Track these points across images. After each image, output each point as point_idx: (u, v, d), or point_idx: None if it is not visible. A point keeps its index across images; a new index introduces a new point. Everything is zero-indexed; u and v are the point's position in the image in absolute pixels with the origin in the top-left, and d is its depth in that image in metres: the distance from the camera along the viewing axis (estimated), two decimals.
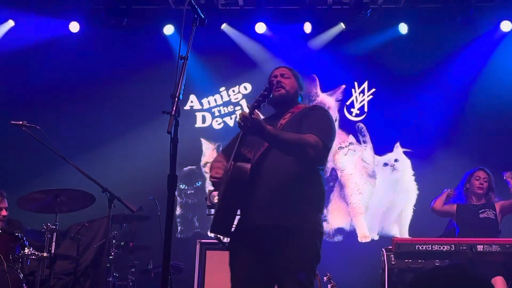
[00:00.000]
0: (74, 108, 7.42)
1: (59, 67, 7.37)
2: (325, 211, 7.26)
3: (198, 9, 2.90)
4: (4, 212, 5.38)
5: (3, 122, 5.04)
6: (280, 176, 3.16)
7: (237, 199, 3.14)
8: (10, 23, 7.40)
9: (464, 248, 4.55)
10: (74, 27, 7.36)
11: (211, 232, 3.34)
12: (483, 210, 5.33)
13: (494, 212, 5.30)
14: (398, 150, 7.31)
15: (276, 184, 3.14)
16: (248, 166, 3.11)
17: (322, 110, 3.42)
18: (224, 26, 7.41)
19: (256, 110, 3.09)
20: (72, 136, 7.06)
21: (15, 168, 7.07)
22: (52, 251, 4.69)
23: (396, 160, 7.30)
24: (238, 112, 6.24)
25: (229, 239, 3.30)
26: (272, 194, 3.13)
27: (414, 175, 7.26)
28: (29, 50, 7.33)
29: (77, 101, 7.42)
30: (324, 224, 7.12)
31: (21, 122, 4.53)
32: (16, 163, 7.10)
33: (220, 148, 6.06)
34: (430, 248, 4.64)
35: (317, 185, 3.25)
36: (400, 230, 7.14)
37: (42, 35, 7.36)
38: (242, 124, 3.04)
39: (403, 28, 7.27)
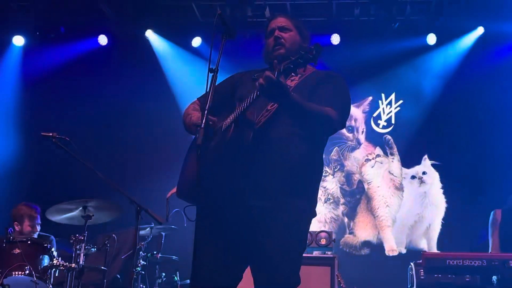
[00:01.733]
0: (105, 122, 7.49)
1: (89, 80, 7.48)
2: (351, 223, 7.20)
3: (227, 22, 2.88)
4: (36, 229, 5.42)
5: (33, 134, 5.11)
6: (287, 153, 2.72)
7: (228, 168, 2.68)
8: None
9: (496, 263, 4.46)
10: (103, 40, 7.48)
11: (180, 195, 2.87)
12: None
13: None
14: (426, 163, 7.21)
15: (282, 162, 2.70)
16: (250, 134, 2.68)
17: (340, 80, 2.98)
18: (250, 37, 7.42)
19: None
20: (101, 147, 7.11)
21: (44, 179, 7.15)
22: (81, 262, 4.71)
23: (424, 173, 7.20)
24: None
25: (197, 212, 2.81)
26: (276, 173, 2.69)
27: (442, 188, 7.15)
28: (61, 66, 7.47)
29: (107, 113, 7.49)
30: (351, 237, 7.18)
31: (51, 134, 4.58)
32: (45, 174, 7.18)
33: None
34: (461, 263, 4.56)
35: (320, 166, 2.88)
36: (429, 243, 7.03)
37: (73, 50, 7.51)
38: (265, 86, 2.51)
39: (431, 39, 7.20)
